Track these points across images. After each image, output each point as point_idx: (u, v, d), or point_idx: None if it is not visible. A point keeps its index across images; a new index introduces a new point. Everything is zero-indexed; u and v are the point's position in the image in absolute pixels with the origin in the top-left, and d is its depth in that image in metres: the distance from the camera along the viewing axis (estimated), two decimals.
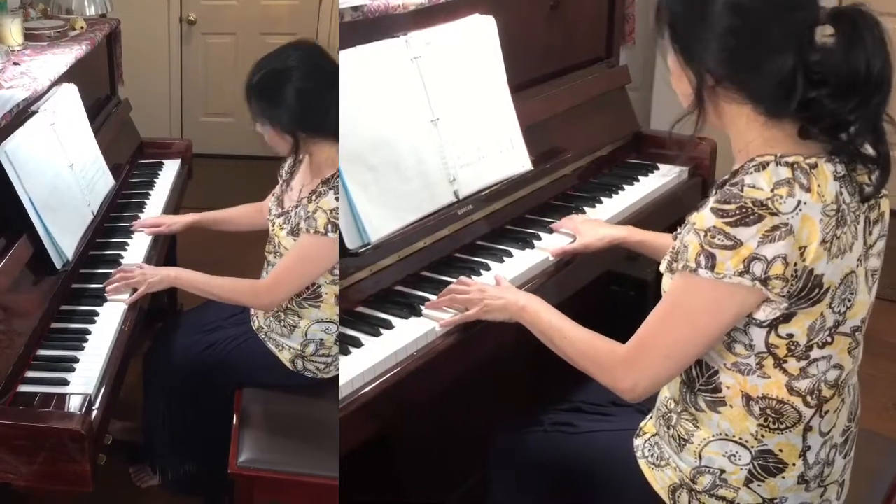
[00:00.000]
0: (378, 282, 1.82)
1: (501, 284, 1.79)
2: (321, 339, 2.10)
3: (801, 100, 1.26)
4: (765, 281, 1.23)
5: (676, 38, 1.35)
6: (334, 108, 1.80)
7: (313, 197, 1.98)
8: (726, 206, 1.24)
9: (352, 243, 1.76)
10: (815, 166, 1.26)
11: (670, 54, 1.37)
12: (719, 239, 1.23)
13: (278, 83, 1.96)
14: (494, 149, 2.07)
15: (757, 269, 1.23)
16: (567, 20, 2.49)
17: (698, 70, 1.32)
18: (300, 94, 1.94)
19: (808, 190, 1.24)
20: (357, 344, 1.64)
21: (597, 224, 2.06)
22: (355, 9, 1.89)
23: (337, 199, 1.90)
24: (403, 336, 1.66)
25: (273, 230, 2.10)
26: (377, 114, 1.85)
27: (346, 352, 1.62)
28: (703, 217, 1.26)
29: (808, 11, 1.27)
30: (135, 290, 2.14)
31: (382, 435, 1.66)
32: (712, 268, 1.24)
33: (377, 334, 1.67)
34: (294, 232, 2.00)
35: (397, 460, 2.16)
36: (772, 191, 1.23)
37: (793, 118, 1.30)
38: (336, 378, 2.06)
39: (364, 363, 1.58)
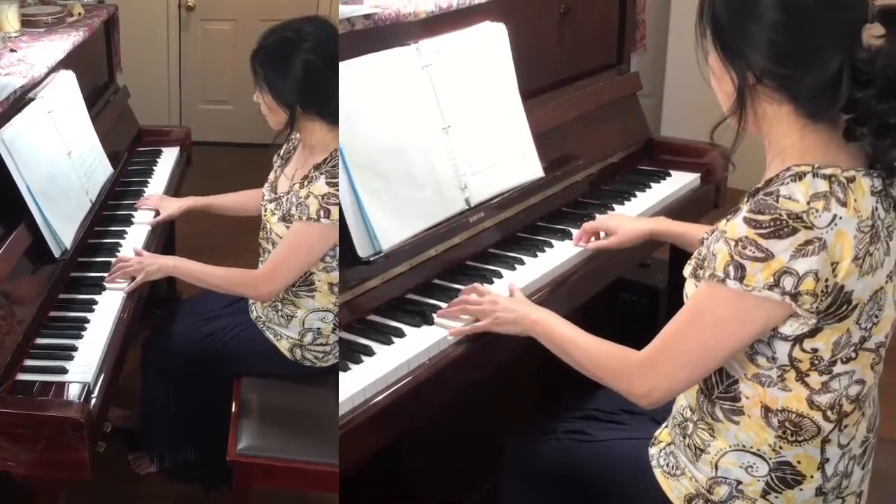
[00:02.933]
0: (389, 290, 1.81)
1: (515, 295, 1.76)
2: (318, 329, 2.10)
3: (847, 100, 1.23)
4: (795, 296, 1.21)
5: (720, 34, 1.30)
6: (336, 91, 1.78)
7: (305, 182, 1.97)
8: (760, 217, 1.21)
9: (363, 251, 1.76)
10: (852, 180, 1.24)
11: (711, 54, 1.33)
12: (750, 250, 1.21)
13: (287, 51, 1.95)
14: (506, 156, 2.07)
15: (787, 283, 1.21)
16: (578, 27, 2.49)
17: (740, 68, 1.29)
18: (307, 67, 1.93)
19: (845, 204, 1.21)
20: (369, 352, 1.63)
21: (625, 218, 2.07)
22: (367, 17, 1.89)
23: (328, 184, 1.91)
24: (415, 345, 1.65)
25: (265, 216, 2.10)
26: (388, 122, 1.84)
27: (357, 360, 1.61)
28: (735, 226, 1.24)
29: (857, 10, 1.24)
30: (133, 278, 2.14)
31: (392, 443, 1.65)
32: (741, 279, 1.22)
33: (389, 343, 1.66)
34: (285, 218, 2.00)
35: (408, 468, 2.15)
36: (808, 203, 1.20)
37: (834, 124, 1.27)
38: (334, 366, 2.07)
39: (376, 372, 1.57)
